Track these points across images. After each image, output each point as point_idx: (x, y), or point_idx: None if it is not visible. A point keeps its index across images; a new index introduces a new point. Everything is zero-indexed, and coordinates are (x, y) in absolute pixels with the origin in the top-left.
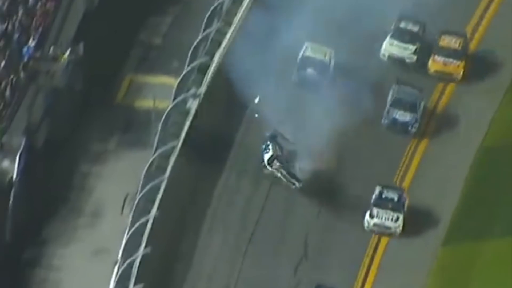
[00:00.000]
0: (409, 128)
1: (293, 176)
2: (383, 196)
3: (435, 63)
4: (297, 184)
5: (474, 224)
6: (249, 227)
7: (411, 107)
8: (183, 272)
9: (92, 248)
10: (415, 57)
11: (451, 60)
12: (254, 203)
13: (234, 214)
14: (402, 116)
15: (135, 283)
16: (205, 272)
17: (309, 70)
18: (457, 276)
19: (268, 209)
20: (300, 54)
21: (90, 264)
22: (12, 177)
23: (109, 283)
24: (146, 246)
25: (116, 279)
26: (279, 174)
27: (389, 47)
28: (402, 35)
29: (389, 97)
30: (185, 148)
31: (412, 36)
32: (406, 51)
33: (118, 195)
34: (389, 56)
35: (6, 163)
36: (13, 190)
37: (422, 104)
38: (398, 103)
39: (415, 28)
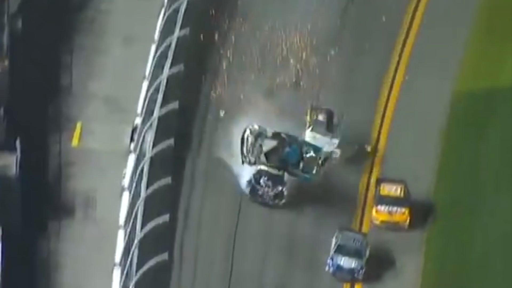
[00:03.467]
0: (355, 275)
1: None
2: None
3: (380, 213)
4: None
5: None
6: None
7: (356, 253)
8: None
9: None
10: (339, 152)
11: (395, 208)
12: None
13: None
14: (347, 262)
15: (172, 65)
16: None
17: (263, 179)
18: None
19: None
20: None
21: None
22: None
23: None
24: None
25: (154, 61)
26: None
27: (313, 142)
28: (321, 128)
29: (333, 243)
30: None
31: (332, 128)
32: (330, 145)
33: None
34: None
35: None
36: None
37: (368, 249)
38: (342, 250)
39: (334, 120)
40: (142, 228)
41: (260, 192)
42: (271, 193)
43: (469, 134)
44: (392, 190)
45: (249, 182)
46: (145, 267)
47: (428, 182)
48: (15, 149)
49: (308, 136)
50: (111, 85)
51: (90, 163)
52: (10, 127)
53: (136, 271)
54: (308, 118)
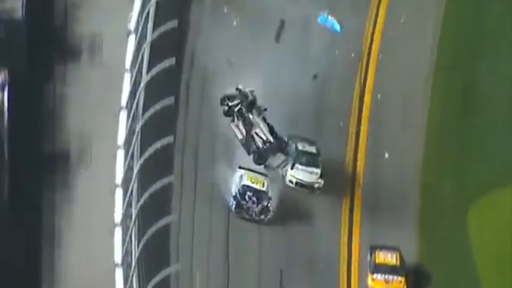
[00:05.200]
0: None
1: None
2: None
3: (377, 282)
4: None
5: None
6: None
7: None
8: None
9: None
10: (322, 181)
11: (391, 277)
12: None
13: None
14: None
15: None
16: None
17: (248, 194)
18: None
19: None
20: (239, 183)
21: None
22: None
23: None
24: None
25: None
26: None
27: (295, 172)
28: (303, 158)
29: None
30: None
31: (313, 158)
32: (312, 175)
33: None
34: (297, 183)
35: None
36: None
37: None
38: None
39: (313, 149)
40: (148, 71)
41: (245, 207)
42: (257, 209)
43: None
44: (388, 257)
45: (234, 197)
46: (151, 111)
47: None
48: None
49: (290, 166)
50: None
51: (96, 6)
52: None
53: (143, 114)
54: (287, 147)
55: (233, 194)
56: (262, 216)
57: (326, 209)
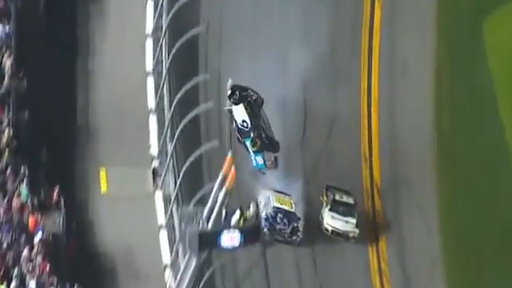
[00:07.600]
0: None
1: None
2: None
3: None
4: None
5: None
6: None
7: None
8: None
9: None
10: (358, 231)
11: None
12: None
13: None
14: None
15: None
16: None
17: (279, 215)
18: None
19: None
20: (267, 204)
21: None
22: None
23: None
24: None
25: None
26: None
27: (332, 221)
28: (339, 208)
29: None
30: None
31: (349, 208)
32: (348, 224)
33: None
34: (333, 231)
35: None
36: None
37: None
38: None
39: (350, 200)
40: None
41: (277, 229)
42: (288, 230)
43: None
44: None
45: (266, 219)
46: None
47: None
48: None
49: (327, 215)
50: None
51: None
52: None
53: None
54: (324, 197)
55: (265, 216)
56: (294, 237)
57: None
